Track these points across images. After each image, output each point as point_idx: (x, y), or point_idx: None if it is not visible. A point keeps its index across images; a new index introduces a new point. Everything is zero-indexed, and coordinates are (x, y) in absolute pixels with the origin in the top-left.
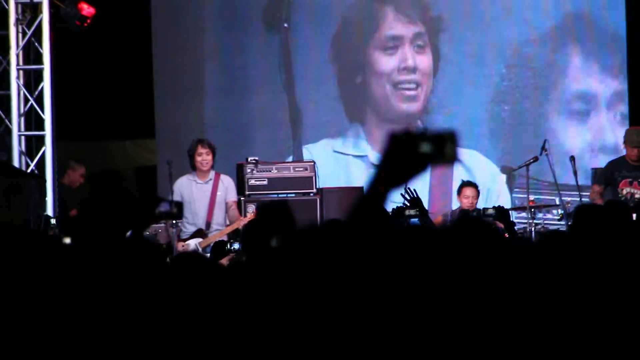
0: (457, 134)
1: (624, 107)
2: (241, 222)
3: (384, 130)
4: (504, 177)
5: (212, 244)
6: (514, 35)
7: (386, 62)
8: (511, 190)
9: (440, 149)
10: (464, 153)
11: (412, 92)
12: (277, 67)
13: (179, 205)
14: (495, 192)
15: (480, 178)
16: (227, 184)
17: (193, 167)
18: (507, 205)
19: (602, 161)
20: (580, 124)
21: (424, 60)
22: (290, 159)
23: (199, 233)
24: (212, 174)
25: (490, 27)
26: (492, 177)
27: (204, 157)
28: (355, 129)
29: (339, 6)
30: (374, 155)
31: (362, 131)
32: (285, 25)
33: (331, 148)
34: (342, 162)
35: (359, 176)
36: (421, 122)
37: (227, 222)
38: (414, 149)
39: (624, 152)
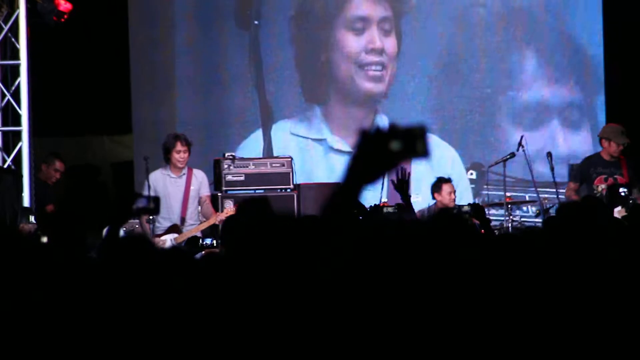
0: (427, 128)
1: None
2: (217, 217)
3: (345, 112)
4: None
5: (185, 240)
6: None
7: (353, 42)
8: (481, 188)
9: (410, 144)
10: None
11: (377, 73)
12: (247, 64)
13: (157, 200)
14: (460, 188)
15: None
16: (201, 178)
17: (167, 161)
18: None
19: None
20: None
21: (390, 43)
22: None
23: (174, 228)
24: (185, 169)
25: (454, 17)
26: (456, 171)
27: (182, 154)
28: (314, 110)
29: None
30: (332, 139)
31: (320, 113)
32: (256, 22)
33: (288, 130)
34: (300, 144)
35: (318, 160)
36: (381, 107)
37: (201, 218)
38: (385, 146)
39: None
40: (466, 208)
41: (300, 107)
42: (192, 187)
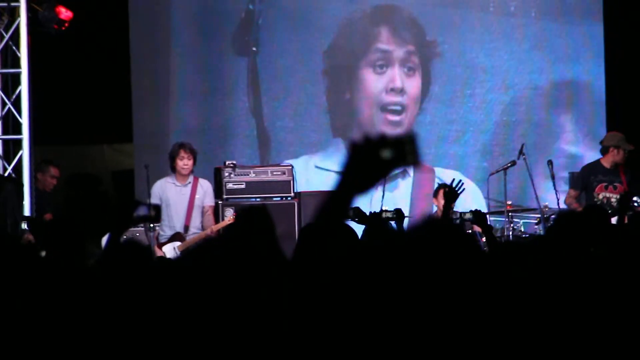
0: (417, 136)
1: None
2: (213, 228)
3: None
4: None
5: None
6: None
7: (375, 82)
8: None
9: (400, 153)
10: (444, 173)
11: (397, 117)
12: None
13: (157, 209)
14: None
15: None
16: (206, 188)
17: (173, 170)
18: None
19: None
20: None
21: (413, 84)
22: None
23: (177, 236)
24: (190, 177)
25: (480, 58)
26: (472, 197)
27: (185, 161)
28: (337, 143)
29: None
30: None
31: (344, 146)
32: (254, 49)
33: (313, 164)
34: (322, 177)
35: None
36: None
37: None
38: (376, 154)
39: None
40: (468, 215)
41: (325, 141)
42: (197, 196)
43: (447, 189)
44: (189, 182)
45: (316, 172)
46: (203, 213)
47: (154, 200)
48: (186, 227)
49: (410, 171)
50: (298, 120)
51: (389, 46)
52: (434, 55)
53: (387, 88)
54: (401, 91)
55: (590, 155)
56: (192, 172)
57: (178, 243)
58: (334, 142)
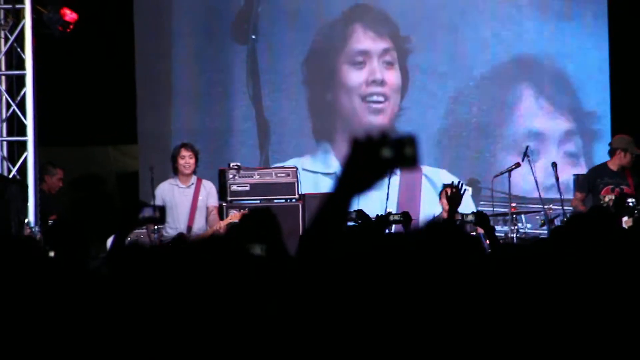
0: (417, 138)
1: (571, 146)
2: (221, 224)
3: None
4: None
5: None
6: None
7: (355, 76)
8: (477, 204)
9: (401, 153)
10: (430, 171)
11: (379, 105)
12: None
13: (162, 210)
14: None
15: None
16: (209, 188)
17: (175, 171)
18: None
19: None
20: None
21: (392, 76)
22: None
23: (180, 238)
24: (194, 178)
25: (454, 52)
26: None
27: (186, 160)
28: (324, 146)
29: (308, 17)
30: None
31: (330, 148)
32: (253, 37)
33: (300, 167)
34: (310, 180)
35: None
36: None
37: (208, 227)
38: (375, 154)
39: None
40: (470, 217)
41: (311, 144)
42: (200, 197)
43: (450, 191)
44: (192, 184)
45: (303, 175)
46: (208, 214)
47: (157, 202)
48: (189, 228)
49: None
50: (295, 119)
51: (366, 44)
52: (409, 50)
53: (368, 80)
54: (382, 82)
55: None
56: (194, 172)
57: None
58: (320, 145)
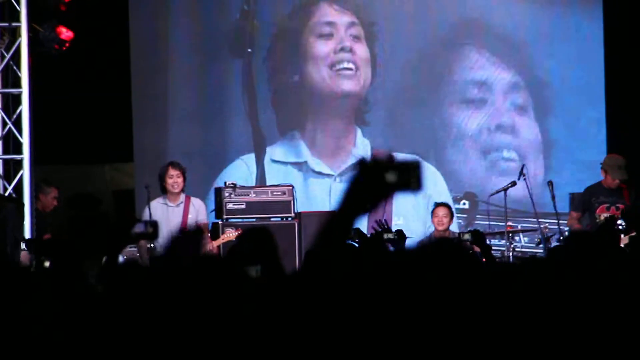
0: (423, 163)
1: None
2: (213, 243)
3: (324, 133)
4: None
5: None
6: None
7: (322, 46)
8: (473, 218)
9: (405, 177)
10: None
11: (349, 72)
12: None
13: (155, 226)
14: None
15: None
16: (198, 206)
17: (164, 190)
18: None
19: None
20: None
21: (360, 48)
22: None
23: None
24: (182, 197)
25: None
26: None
27: (174, 179)
28: (292, 135)
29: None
30: (313, 161)
31: (300, 137)
32: (249, 50)
33: (269, 157)
34: (281, 171)
35: (298, 184)
36: (362, 110)
37: None
38: (381, 177)
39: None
40: (467, 236)
41: (279, 134)
42: (189, 216)
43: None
44: (181, 202)
45: (272, 166)
46: None
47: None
48: None
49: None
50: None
51: (332, 18)
52: (375, 36)
53: (336, 49)
54: (350, 50)
55: None
56: (183, 190)
57: None
58: (289, 135)
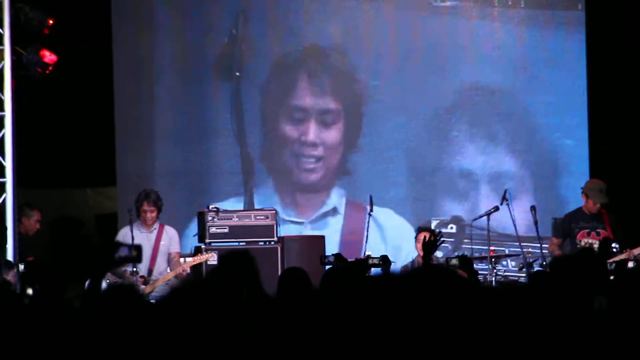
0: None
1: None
2: (184, 266)
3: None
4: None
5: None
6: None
7: (290, 132)
8: (460, 241)
9: None
10: (378, 211)
11: (311, 165)
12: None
13: (138, 249)
14: (405, 250)
15: (392, 235)
16: (171, 235)
17: (138, 216)
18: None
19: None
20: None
21: (330, 135)
22: (241, 207)
23: (141, 280)
24: (156, 224)
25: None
26: (403, 235)
27: (148, 214)
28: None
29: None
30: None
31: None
32: (237, 74)
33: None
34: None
35: None
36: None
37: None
38: None
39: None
40: (454, 261)
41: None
42: (162, 242)
43: (426, 238)
44: (155, 229)
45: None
46: (170, 259)
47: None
48: (150, 271)
49: (341, 209)
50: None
51: (305, 101)
52: (366, 99)
53: (300, 140)
54: (313, 144)
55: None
56: (157, 219)
57: (143, 286)
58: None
